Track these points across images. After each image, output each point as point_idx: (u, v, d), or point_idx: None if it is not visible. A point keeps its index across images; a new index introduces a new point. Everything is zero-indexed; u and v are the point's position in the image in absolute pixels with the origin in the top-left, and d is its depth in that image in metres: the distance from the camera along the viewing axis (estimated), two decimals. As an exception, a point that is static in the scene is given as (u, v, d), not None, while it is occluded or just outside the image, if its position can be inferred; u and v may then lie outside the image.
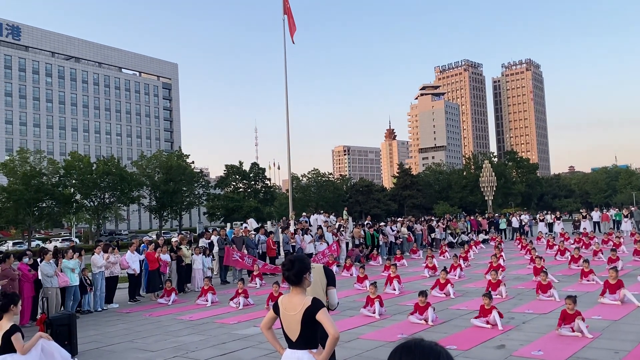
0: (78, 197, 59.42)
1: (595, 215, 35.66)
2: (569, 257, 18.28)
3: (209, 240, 19.50)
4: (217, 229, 22.34)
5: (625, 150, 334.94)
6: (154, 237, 35.11)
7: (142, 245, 17.22)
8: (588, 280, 13.88)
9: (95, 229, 64.79)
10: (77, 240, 66.03)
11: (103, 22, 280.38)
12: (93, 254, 14.88)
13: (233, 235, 20.22)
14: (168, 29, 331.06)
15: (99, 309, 14.21)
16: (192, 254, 17.40)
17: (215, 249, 19.11)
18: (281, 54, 29.04)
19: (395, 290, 13.98)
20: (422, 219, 35.71)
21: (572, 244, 23.98)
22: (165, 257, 16.43)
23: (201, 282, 16.12)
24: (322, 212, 30.88)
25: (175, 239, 20.92)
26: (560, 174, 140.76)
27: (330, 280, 5.46)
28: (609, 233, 27.73)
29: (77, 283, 13.31)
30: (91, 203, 60.63)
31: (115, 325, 11.97)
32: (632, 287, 12.18)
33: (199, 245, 18.80)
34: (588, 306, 10.62)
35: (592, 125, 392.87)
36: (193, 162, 72.10)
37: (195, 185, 71.37)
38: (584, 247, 22.69)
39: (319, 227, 23.08)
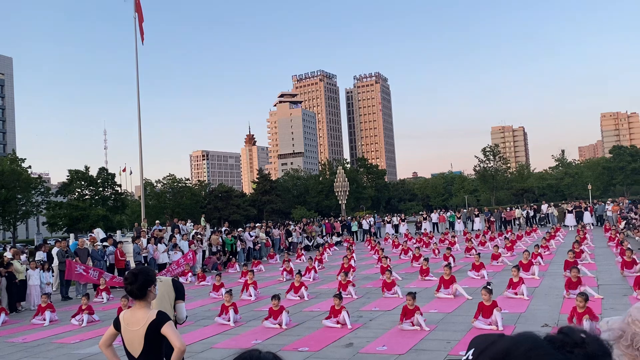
0: None
1: (434, 216, 39.31)
2: (412, 256, 19.89)
3: (47, 253, 17.76)
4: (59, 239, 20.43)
5: (459, 158, 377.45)
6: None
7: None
8: (427, 277, 15.21)
9: None
10: None
11: None
12: None
13: (77, 247, 18.64)
14: (1, 18, 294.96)
15: None
16: (27, 269, 15.71)
17: (55, 262, 17.45)
18: (133, 52, 27.51)
19: (251, 296, 14.02)
20: (280, 224, 36.26)
21: (415, 243, 26.08)
22: (-7, 274, 14.62)
23: (38, 300, 14.63)
24: (179, 220, 29.81)
25: (7, 253, 18.66)
26: (405, 179, 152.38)
27: (179, 294, 5.31)
28: (445, 233, 30.71)
29: None
30: None
31: None
32: (463, 282, 13.63)
33: (36, 258, 17.03)
34: (426, 301, 11.65)
35: (432, 135, 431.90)
36: (30, 167, 65.06)
37: (33, 192, 64.51)
38: (424, 246, 24.80)
39: (172, 235, 22.26)
